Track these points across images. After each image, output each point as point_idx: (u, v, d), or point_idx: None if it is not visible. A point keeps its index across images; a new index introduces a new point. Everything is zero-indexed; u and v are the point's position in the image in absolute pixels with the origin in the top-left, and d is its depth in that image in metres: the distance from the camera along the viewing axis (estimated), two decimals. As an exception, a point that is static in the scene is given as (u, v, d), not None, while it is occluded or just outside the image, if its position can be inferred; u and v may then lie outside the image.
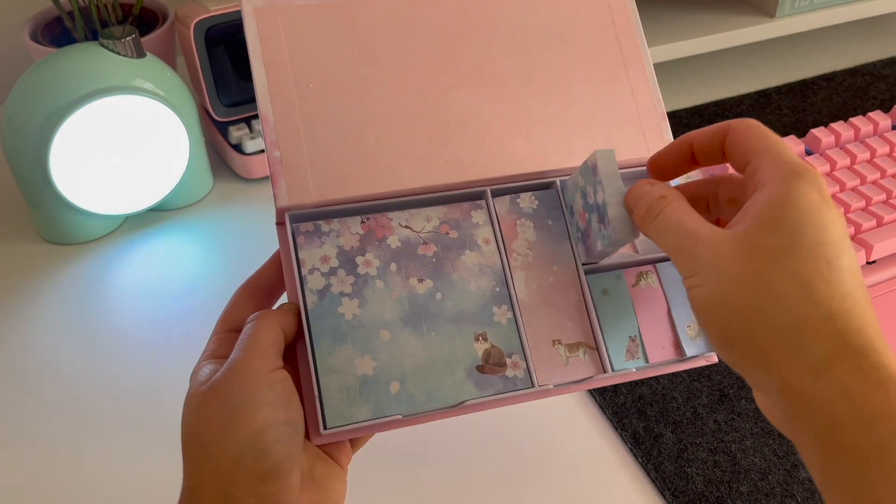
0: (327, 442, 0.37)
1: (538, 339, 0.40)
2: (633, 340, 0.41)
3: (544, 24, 0.44)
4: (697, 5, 0.82)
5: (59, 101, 0.58)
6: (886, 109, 0.79)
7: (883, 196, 0.62)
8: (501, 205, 0.42)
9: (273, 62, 0.40)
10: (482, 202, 0.42)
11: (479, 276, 0.41)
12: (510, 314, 0.40)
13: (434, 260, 0.40)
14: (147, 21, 0.74)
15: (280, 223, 0.40)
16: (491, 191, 0.42)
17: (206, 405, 0.34)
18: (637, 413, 0.51)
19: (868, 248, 0.58)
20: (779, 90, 0.83)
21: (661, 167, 0.37)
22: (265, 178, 0.72)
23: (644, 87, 0.45)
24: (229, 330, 0.39)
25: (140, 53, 0.62)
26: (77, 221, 0.65)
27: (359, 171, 0.40)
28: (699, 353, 0.41)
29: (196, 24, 0.65)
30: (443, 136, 0.42)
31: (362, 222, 0.40)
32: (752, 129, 0.32)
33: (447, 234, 0.41)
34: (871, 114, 0.70)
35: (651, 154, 0.40)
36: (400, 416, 0.37)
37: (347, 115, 0.41)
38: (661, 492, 0.47)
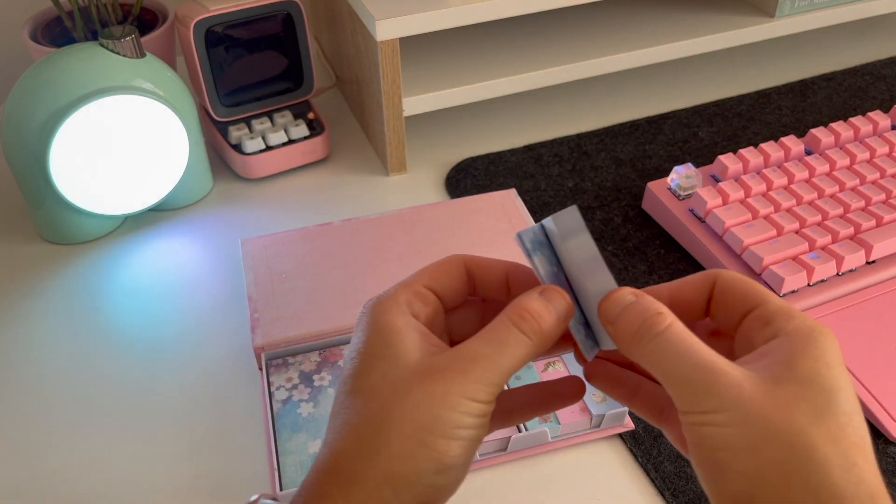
0: None
1: None
2: None
3: (458, 220, 0.63)
4: (697, 5, 0.82)
5: (59, 101, 0.58)
6: (886, 109, 0.79)
7: (883, 196, 0.62)
8: None
9: (256, 267, 0.59)
10: None
11: None
12: None
13: None
14: (147, 21, 0.74)
15: (261, 368, 0.53)
16: None
17: None
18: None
19: (868, 248, 0.58)
20: (779, 90, 0.83)
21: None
22: (265, 178, 0.72)
23: None
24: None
25: (140, 53, 0.62)
26: (77, 221, 0.65)
27: (314, 317, 0.55)
28: (605, 412, 0.49)
29: (196, 24, 0.65)
30: (375, 288, 0.56)
31: (320, 353, 0.54)
32: (745, 279, 0.30)
33: None
34: (870, 114, 0.70)
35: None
36: None
37: (306, 288, 0.57)
38: (661, 492, 0.47)
